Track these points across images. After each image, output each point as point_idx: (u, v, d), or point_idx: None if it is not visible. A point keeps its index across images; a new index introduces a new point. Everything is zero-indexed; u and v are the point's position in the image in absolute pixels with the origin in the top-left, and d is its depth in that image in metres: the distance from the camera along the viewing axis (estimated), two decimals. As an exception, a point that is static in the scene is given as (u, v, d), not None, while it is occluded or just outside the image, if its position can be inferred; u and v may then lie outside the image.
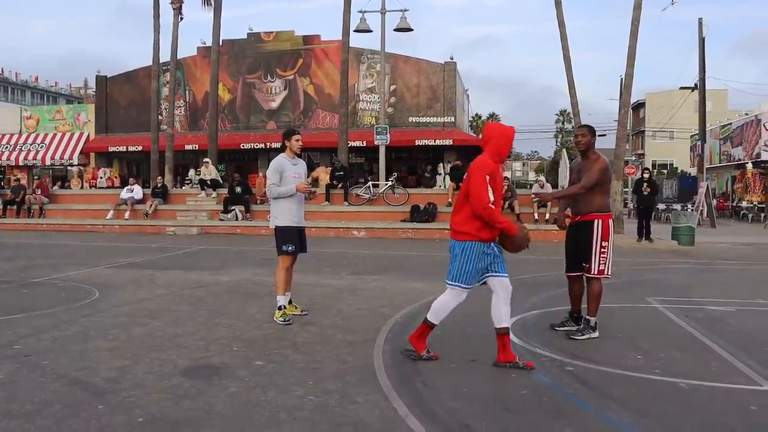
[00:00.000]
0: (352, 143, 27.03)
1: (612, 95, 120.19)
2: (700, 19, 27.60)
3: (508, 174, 38.43)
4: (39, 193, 24.87)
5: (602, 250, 6.70)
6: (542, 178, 22.88)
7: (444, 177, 26.15)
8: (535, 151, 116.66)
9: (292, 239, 7.60)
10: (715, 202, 30.16)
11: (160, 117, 28.90)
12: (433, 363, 5.74)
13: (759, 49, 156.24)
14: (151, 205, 23.04)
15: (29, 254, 14.69)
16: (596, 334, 6.71)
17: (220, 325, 7.28)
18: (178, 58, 28.47)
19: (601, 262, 6.71)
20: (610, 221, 6.83)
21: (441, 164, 28.56)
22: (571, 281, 7.16)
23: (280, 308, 7.47)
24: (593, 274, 6.75)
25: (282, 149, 7.79)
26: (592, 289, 6.81)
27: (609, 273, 6.81)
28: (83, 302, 8.59)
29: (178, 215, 22.99)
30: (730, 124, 36.84)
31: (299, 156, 7.91)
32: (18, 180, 27.02)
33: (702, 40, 27.76)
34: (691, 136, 42.19)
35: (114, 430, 4.10)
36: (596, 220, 6.73)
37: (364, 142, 28.79)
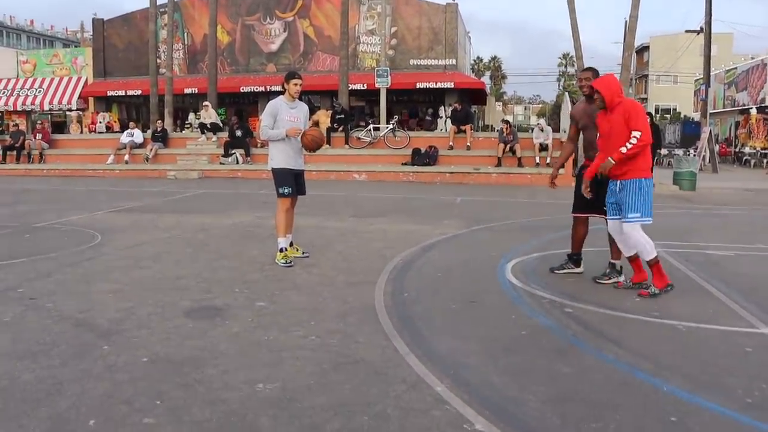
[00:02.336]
0: (352, 86, 26.81)
1: (616, 38, 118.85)
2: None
3: (509, 118, 38.35)
4: (40, 138, 24.79)
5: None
6: (542, 121, 22.74)
7: (445, 120, 26.00)
8: (538, 95, 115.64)
9: (287, 181, 7.61)
10: (717, 147, 30.02)
11: (158, 60, 28.62)
12: (434, 305, 5.81)
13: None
14: (151, 149, 23.00)
15: (30, 199, 14.73)
16: (623, 278, 6.67)
17: (221, 267, 7.34)
18: (178, 0, 28.07)
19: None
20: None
21: (442, 107, 28.37)
22: (577, 222, 7.12)
23: (281, 250, 7.52)
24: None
25: (282, 92, 7.74)
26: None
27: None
28: (86, 246, 8.64)
29: (178, 159, 22.96)
30: (736, 68, 36.45)
31: (301, 99, 7.86)
32: (17, 125, 26.90)
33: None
34: (695, 81, 41.78)
35: (120, 369, 4.17)
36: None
37: (365, 85, 28.54)
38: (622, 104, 6.19)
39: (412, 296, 6.12)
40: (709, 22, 28.29)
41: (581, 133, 7.02)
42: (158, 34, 29.22)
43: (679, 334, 5.07)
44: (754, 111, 31.97)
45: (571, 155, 6.95)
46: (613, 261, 6.81)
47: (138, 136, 23.88)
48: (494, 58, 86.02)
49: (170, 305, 5.72)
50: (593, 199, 6.66)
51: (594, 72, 6.87)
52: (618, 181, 6.25)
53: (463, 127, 21.55)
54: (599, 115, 6.36)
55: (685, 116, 46.53)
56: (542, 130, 20.58)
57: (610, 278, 6.73)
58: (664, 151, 29.92)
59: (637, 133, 6.00)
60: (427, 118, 28.68)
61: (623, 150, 6.00)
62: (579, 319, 5.41)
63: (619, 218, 6.36)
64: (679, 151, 27.08)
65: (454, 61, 31.16)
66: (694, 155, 21.85)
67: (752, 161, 30.05)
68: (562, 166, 7.21)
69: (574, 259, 7.18)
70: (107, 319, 5.29)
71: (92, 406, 3.61)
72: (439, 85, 29.80)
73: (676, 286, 6.36)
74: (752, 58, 35.47)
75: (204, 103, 24.83)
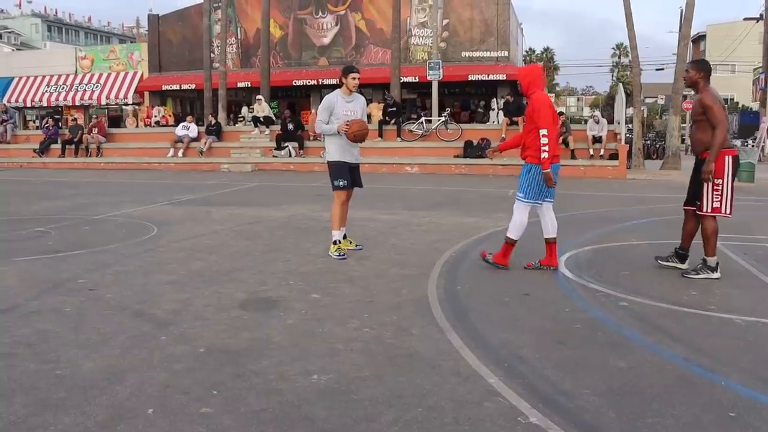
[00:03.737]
0: (404, 79, 26.77)
1: (672, 27, 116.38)
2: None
3: (562, 109, 37.68)
4: (96, 132, 25.34)
5: (715, 187, 6.39)
6: (597, 113, 22.42)
7: (497, 112, 25.82)
8: (591, 86, 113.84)
9: (343, 174, 7.62)
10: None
11: (212, 55, 28.96)
12: (487, 298, 5.79)
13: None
14: (205, 143, 23.34)
15: (89, 192, 15.08)
16: (716, 275, 6.45)
17: (276, 259, 7.43)
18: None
19: (715, 199, 6.42)
20: (728, 158, 6.42)
21: (494, 99, 28.14)
22: (685, 216, 6.93)
23: (335, 243, 7.57)
24: (705, 211, 6.47)
25: (339, 85, 7.75)
26: (704, 228, 6.51)
27: (727, 211, 6.47)
28: (143, 238, 8.82)
29: (231, 152, 23.25)
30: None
31: (360, 93, 7.88)
32: (75, 120, 27.54)
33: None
34: (754, 70, 40.65)
35: (177, 359, 4.26)
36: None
37: (417, 78, 28.45)
38: (533, 97, 6.67)
39: (465, 289, 6.11)
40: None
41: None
42: (212, 29, 29.56)
43: (737, 328, 4.97)
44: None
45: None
46: (705, 257, 6.56)
47: (193, 129, 24.22)
48: (547, 49, 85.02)
49: (226, 297, 5.81)
50: (693, 192, 6.67)
51: (695, 64, 6.78)
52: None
53: (515, 119, 21.38)
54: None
55: (743, 106, 45.33)
56: (597, 122, 20.30)
57: (698, 273, 6.54)
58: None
59: (544, 131, 6.45)
60: (479, 110, 28.49)
61: (543, 156, 6.49)
62: (634, 312, 5.34)
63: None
64: (737, 142, 26.43)
65: (506, 53, 30.85)
66: (753, 146, 21.32)
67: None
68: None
69: (680, 254, 6.95)
70: (164, 310, 5.39)
71: (151, 395, 3.70)
72: (491, 77, 29.53)
73: (735, 280, 6.23)
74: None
75: (257, 97, 25.08)
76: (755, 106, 37.35)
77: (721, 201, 6.44)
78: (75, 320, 5.12)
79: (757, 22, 30.29)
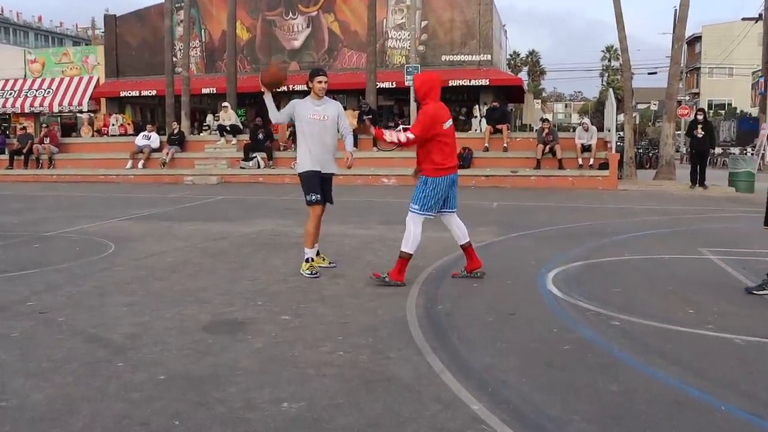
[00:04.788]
0: (380, 84, 26.86)
1: (665, 28, 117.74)
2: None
3: (549, 116, 38.01)
4: (48, 142, 25.12)
5: None
6: (586, 120, 22.60)
7: (480, 120, 25.95)
8: (579, 92, 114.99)
9: (314, 188, 7.56)
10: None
11: (174, 59, 28.88)
12: (470, 317, 5.79)
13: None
14: (168, 154, 23.22)
15: (40, 207, 14.95)
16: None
17: (243, 278, 7.40)
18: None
19: None
20: None
21: (477, 106, 28.30)
22: None
23: (307, 260, 7.54)
24: None
25: (308, 91, 7.74)
26: None
27: None
28: (99, 256, 8.75)
29: (196, 164, 23.17)
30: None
31: (332, 98, 7.87)
32: (24, 128, 27.32)
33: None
34: (753, 73, 41.27)
35: (135, 387, 4.21)
36: None
37: (394, 83, 28.57)
38: (422, 109, 6.97)
39: (446, 308, 6.11)
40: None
41: None
42: (174, 31, 29.49)
43: (736, 348, 5.01)
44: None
45: None
46: None
47: (154, 139, 24.04)
48: (532, 53, 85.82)
49: (189, 319, 5.77)
50: None
51: None
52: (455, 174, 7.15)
53: (499, 127, 21.49)
54: None
55: (741, 111, 45.96)
56: (586, 130, 20.46)
57: (764, 289, 6.55)
58: (718, 150, 29.53)
59: (410, 134, 6.83)
60: (461, 117, 28.63)
61: (398, 139, 6.93)
62: (626, 332, 5.37)
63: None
64: (735, 150, 26.80)
65: (489, 57, 31.07)
66: (752, 154, 21.61)
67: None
68: None
69: None
70: (122, 334, 5.34)
71: (106, 427, 3.65)
72: (473, 82, 29.69)
73: (734, 297, 6.29)
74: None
75: (223, 104, 25.03)
76: (755, 111, 37.86)
77: None
78: (23, 346, 5.06)
79: (756, 22, 30.72)
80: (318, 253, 7.80)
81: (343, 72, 31.00)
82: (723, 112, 53.33)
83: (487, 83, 29.82)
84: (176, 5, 29.25)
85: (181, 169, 22.81)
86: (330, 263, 7.91)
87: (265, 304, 6.27)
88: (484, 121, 23.88)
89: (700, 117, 19.60)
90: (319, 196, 7.55)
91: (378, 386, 4.22)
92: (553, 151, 19.84)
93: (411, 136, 6.80)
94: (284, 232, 10.62)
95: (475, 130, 25.80)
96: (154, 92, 31.90)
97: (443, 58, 31.14)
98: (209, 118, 30.19)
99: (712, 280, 7.32)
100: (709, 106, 55.49)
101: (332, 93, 8.00)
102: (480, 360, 4.70)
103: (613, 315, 5.83)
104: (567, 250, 8.98)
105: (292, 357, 4.78)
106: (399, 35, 31.64)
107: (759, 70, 32.53)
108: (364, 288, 6.91)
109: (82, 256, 8.81)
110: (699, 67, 64.38)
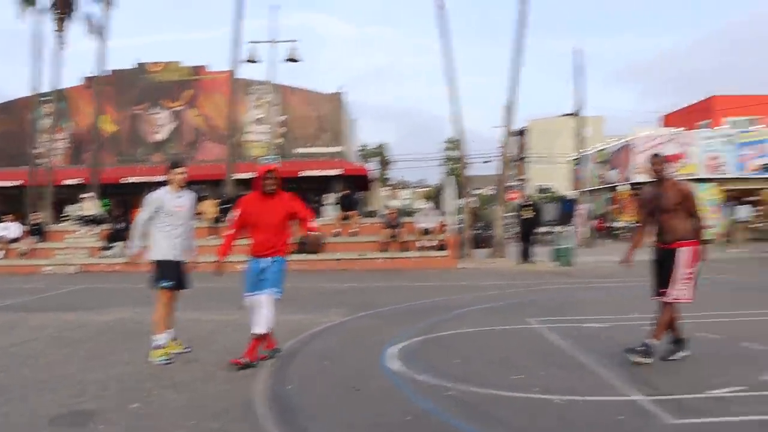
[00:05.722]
0: (240, 175, 26.71)
1: (498, 123, 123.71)
2: (578, 48, 29.02)
3: (397, 202, 38.86)
4: None
5: (688, 274, 6.55)
6: (427, 206, 23.25)
7: (333, 207, 26.12)
8: (423, 179, 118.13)
9: (170, 273, 7.32)
10: (594, 222, 31.37)
11: (40, 150, 27.69)
12: (318, 395, 5.66)
13: (633, 77, 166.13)
14: (27, 244, 21.96)
15: None
16: (649, 360, 6.50)
17: (96, 367, 6.95)
18: (63, 88, 27.47)
19: (684, 286, 6.55)
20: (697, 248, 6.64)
21: (329, 194, 28.54)
22: (660, 307, 6.82)
23: (159, 347, 7.17)
24: (672, 298, 6.58)
25: (168, 182, 7.52)
26: (665, 313, 6.64)
27: (689, 297, 6.63)
28: (-53, 350, 8.03)
29: (56, 253, 22.01)
30: (606, 148, 38.45)
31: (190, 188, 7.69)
32: None
33: (580, 69, 29.08)
34: (570, 161, 43.77)
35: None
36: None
37: (252, 174, 28.45)
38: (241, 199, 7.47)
39: (295, 387, 5.96)
40: (581, 107, 29.97)
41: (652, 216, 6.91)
42: (39, 124, 28.35)
43: (557, 407, 5.16)
44: (623, 188, 33.62)
45: (642, 239, 7.09)
46: (649, 341, 6.58)
47: (14, 229, 22.69)
48: (381, 145, 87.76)
49: (34, 412, 5.33)
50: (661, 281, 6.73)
51: (658, 156, 6.85)
52: (269, 258, 7.35)
53: (348, 214, 21.67)
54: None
55: (562, 195, 48.45)
56: (426, 215, 20.99)
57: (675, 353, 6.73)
58: (543, 229, 30.84)
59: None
60: (314, 205, 28.74)
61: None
62: (460, 401, 5.40)
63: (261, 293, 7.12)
64: (558, 228, 28.08)
65: (340, 149, 31.60)
66: (571, 231, 22.69)
67: (622, 234, 31.39)
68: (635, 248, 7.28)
69: (678, 342, 6.88)
70: (-37, 431, 4.87)
71: None
72: (325, 172, 30.04)
73: (555, 361, 6.48)
74: (619, 140, 37.52)
75: (82, 195, 24.11)
76: (575, 194, 39.93)
77: (688, 288, 6.60)
78: None
79: (572, 117, 32.73)
80: (175, 339, 7.47)
81: (205, 164, 30.67)
82: (546, 194, 56.05)
83: (339, 173, 30.23)
84: (45, 99, 28.17)
85: (41, 260, 21.56)
86: (185, 348, 7.58)
87: (116, 393, 5.89)
88: (336, 207, 24.05)
89: (526, 201, 20.50)
90: (173, 282, 7.29)
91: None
92: (394, 235, 20.14)
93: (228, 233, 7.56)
94: (141, 320, 10.12)
95: (327, 216, 25.91)
96: (19, 182, 30.36)
97: (298, 150, 31.42)
98: (70, 208, 28.97)
99: (537, 347, 7.51)
100: (541, 190, 58.21)
101: (195, 183, 7.85)
102: (324, 437, 4.58)
103: (450, 385, 5.85)
104: (410, 325, 9.01)
105: (140, 445, 4.49)
106: (258, 129, 31.74)
107: (576, 159, 34.55)
108: (217, 372, 6.64)
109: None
110: (523, 157, 67.71)
